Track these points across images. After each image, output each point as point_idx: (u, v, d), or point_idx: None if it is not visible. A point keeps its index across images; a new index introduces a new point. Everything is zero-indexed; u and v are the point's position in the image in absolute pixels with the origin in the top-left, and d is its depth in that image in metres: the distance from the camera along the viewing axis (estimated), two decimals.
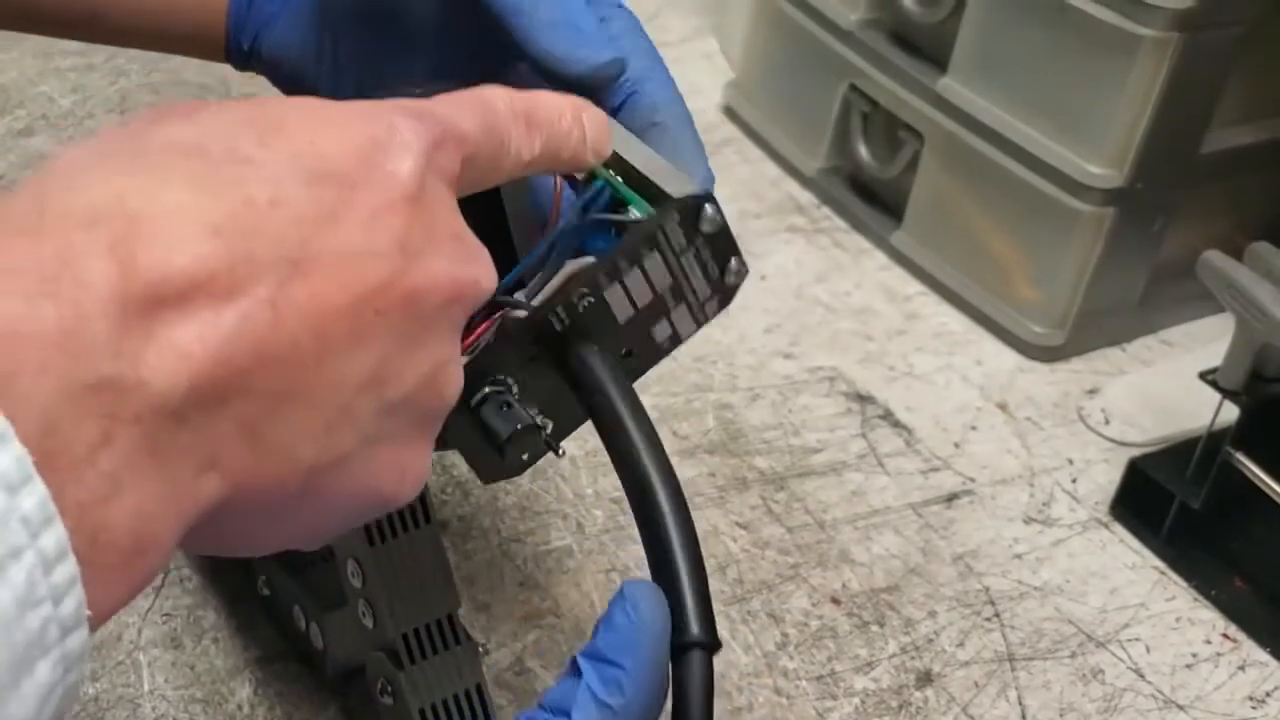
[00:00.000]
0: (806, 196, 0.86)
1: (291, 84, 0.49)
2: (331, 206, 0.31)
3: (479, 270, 0.35)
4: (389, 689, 0.49)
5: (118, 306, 0.28)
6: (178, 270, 0.28)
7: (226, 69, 0.51)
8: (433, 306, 0.33)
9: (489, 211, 0.44)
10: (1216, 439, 0.64)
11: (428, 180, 0.33)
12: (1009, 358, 0.77)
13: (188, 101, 0.33)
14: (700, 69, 0.95)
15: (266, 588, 0.55)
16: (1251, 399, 0.63)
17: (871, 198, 0.84)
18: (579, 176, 0.42)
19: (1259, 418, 0.63)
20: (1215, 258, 0.62)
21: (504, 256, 0.41)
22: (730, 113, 0.92)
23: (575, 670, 0.36)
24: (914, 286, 0.81)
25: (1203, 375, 0.64)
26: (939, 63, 0.77)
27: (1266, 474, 0.63)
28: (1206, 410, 0.65)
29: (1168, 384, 0.76)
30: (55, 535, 0.26)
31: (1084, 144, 0.71)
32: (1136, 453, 0.71)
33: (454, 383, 0.35)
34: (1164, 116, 0.69)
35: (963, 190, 0.78)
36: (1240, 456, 0.63)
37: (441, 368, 0.34)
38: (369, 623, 0.48)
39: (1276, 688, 0.61)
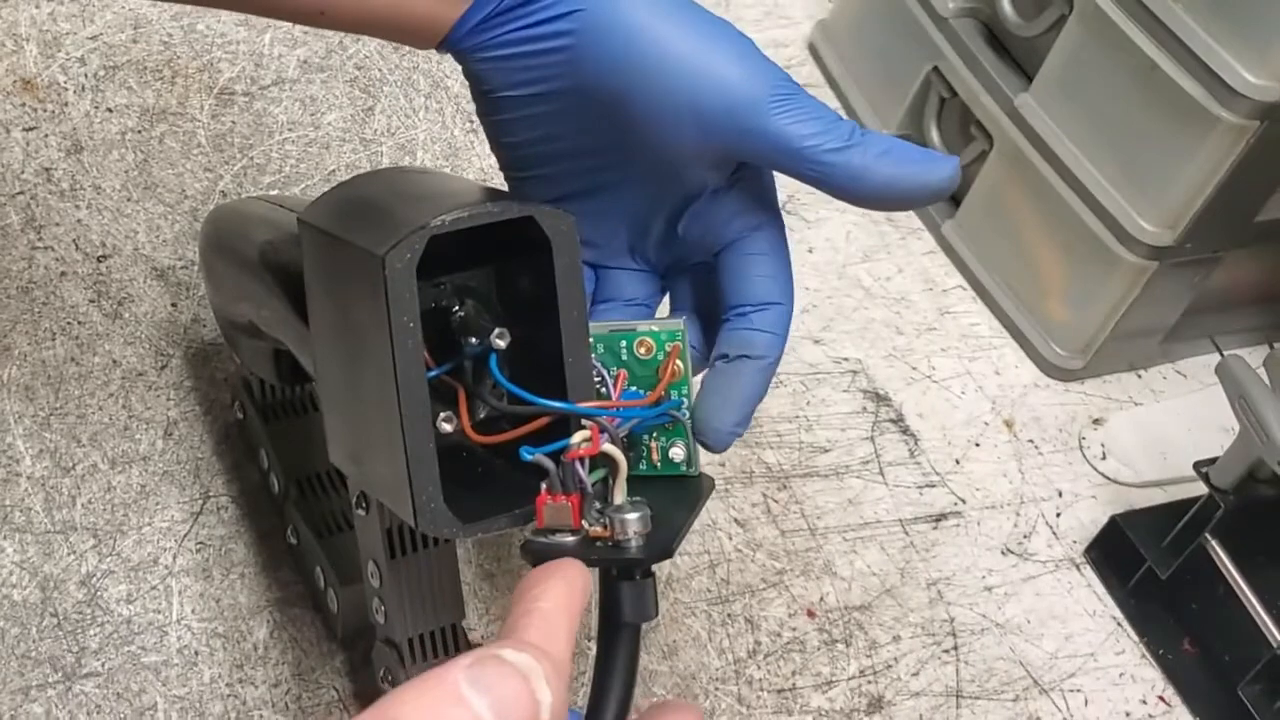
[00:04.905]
0: None
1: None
2: None
3: None
4: (390, 678, 0.54)
5: None
6: None
7: None
8: None
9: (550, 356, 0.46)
10: (1199, 520, 0.68)
11: None
12: (1026, 371, 0.80)
13: None
14: None
15: (294, 537, 0.60)
16: (1238, 498, 0.66)
17: None
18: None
19: (1242, 513, 0.66)
20: (1235, 364, 0.65)
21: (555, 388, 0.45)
22: (814, 51, 0.92)
23: None
24: (954, 279, 0.83)
25: (1197, 466, 0.67)
26: (1024, 71, 0.77)
27: (1235, 568, 0.66)
28: (1201, 454, 0.68)
29: (1169, 424, 0.79)
30: None
31: (1142, 199, 0.72)
32: (1126, 492, 0.75)
33: None
34: (1227, 192, 0.70)
35: (1020, 200, 0.79)
36: (1215, 545, 0.67)
37: None
38: (380, 618, 0.53)
39: None
